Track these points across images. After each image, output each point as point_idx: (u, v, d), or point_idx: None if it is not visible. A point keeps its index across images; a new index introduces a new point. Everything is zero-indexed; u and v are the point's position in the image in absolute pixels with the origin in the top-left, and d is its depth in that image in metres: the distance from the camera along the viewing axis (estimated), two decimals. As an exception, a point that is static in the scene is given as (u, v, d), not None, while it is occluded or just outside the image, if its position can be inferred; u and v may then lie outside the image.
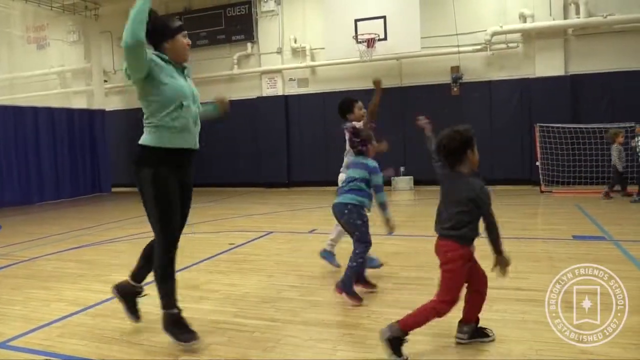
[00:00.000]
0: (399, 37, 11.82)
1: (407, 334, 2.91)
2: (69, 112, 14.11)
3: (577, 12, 11.45)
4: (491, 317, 3.43)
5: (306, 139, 13.95)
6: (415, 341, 3.13)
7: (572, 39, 11.80)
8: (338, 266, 4.85)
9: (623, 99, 11.07)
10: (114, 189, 15.04)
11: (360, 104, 4.97)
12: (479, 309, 3.09)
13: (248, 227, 7.91)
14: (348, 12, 12.14)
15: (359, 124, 4.71)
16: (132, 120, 14.88)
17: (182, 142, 3.17)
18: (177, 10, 15.20)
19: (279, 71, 14.26)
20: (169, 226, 3.17)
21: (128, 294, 3.55)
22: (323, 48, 13.08)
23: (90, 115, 14.78)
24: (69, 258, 6.16)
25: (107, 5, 15.01)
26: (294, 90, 14.26)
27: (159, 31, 3.08)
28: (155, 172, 3.12)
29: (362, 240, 4.03)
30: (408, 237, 6.52)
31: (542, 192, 10.85)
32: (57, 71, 15.77)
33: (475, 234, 2.94)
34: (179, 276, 4.64)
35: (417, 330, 3.13)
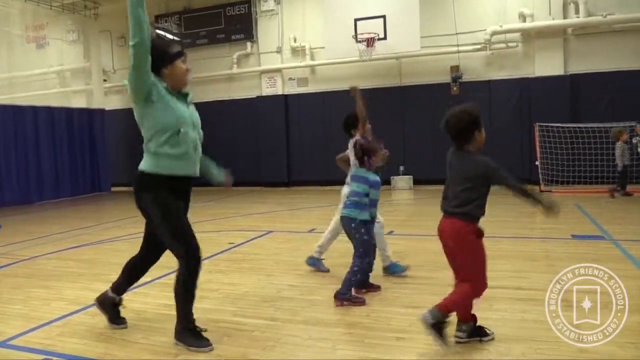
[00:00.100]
0: (398, 36, 11.82)
1: (448, 317, 2.92)
2: (69, 112, 14.11)
3: (577, 12, 11.46)
4: (491, 317, 3.43)
5: (306, 139, 13.95)
6: (416, 340, 3.14)
7: (571, 38, 11.81)
8: (327, 270, 4.87)
9: (622, 98, 11.08)
10: (113, 189, 15.03)
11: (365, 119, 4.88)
12: (471, 306, 3.08)
13: (247, 227, 7.91)
14: (348, 12, 12.14)
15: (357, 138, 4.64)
16: (131, 119, 14.74)
17: (180, 170, 3.14)
18: (177, 9, 15.20)
19: (278, 70, 14.26)
20: (187, 240, 3.14)
21: (107, 306, 3.56)
22: (323, 47, 13.09)
23: (90, 115, 14.77)
24: (69, 257, 6.17)
25: (107, 5, 15.00)
26: (293, 89, 14.26)
27: (157, 57, 3.02)
28: (155, 195, 3.11)
29: (363, 256, 3.99)
30: (408, 237, 6.53)
31: (541, 191, 10.84)
32: (57, 70, 15.75)
33: (481, 212, 2.94)
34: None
35: (416, 329, 3.14)
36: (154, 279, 4.62)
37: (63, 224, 9.01)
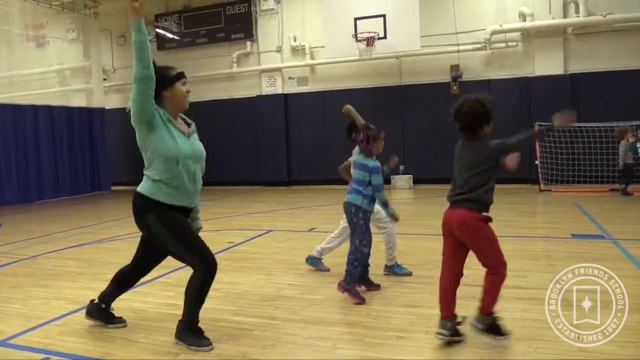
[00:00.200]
0: (398, 35, 11.82)
1: (494, 313, 2.96)
2: (69, 111, 14.10)
3: (577, 11, 11.45)
4: (490, 316, 3.44)
5: (306, 138, 13.95)
6: (416, 339, 3.14)
7: (571, 37, 11.81)
8: (327, 269, 4.87)
9: (622, 98, 11.08)
10: (113, 188, 15.04)
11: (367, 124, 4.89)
12: (454, 302, 3.06)
13: (247, 226, 7.91)
14: (348, 11, 12.14)
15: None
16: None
17: (176, 200, 3.15)
18: (176, 8, 15.19)
19: (278, 70, 14.25)
20: (199, 249, 3.16)
21: (98, 314, 3.57)
22: (323, 46, 13.08)
23: (90, 114, 14.76)
24: (69, 256, 6.17)
25: (107, 4, 15.00)
26: (293, 88, 14.26)
27: (157, 80, 3.02)
28: (156, 214, 3.12)
29: (359, 247, 4.03)
30: (407, 236, 6.52)
31: (541, 190, 10.86)
32: (57, 69, 15.74)
33: (490, 198, 2.94)
34: (178, 275, 4.66)
35: (416, 328, 3.14)
36: (154, 278, 4.62)
37: (63, 223, 9.01)
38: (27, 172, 12.72)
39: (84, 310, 3.66)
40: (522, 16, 11.94)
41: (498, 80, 12.20)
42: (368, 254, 4.15)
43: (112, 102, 15.88)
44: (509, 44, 12.10)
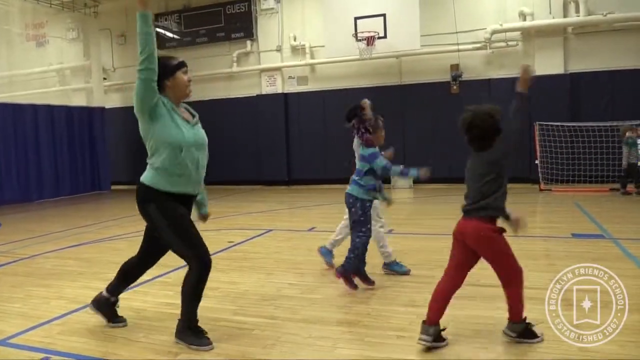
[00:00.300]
0: (398, 35, 11.81)
1: (524, 319, 3.01)
2: (68, 110, 14.09)
3: (577, 11, 11.44)
4: (491, 315, 3.44)
5: (306, 137, 13.94)
6: (416, 339, 3.14)
7: (571, 37, 11.80)
8: (332, 265, 4.88)
9: (622, 97, 11.08)
10: (113, 187, 15.04)
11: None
12: (444, 309, 3.05)
13: (248, 225, 7.91)
14: (348, 10, 12.13)
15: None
16: (131, 117, 14.77)
17: (179, 187, 3.16)
18: (176, 8, 15.19)
19: (278, 69, 14.25)
20: (195, 245, 3.17)
21: (103, 307, 3.57)
22: (323, 46, 13.07)
23: (90, 113, 14.76)
24: (69, 256, 6.17)
25: (107, 3, 14.99)
26: (293, 88, 14.25)
27: (159, 71, 3.05)
28: (158, 204, 3.14)
29: (357, 231, 4.13)
30: (408, 235, 6.52)
31: (541, 190, 10.86)
32: (56, 69, 15.76)
33: (502, 204, 2.95)
34: (177, 274, 4.66)
35: (416, 327, 3.14)
36: (154, 278, 4.62)
37: (63, 222, 9.01)
38: (27, 171, 12.72)
39: (85, 309, 3.67)
40: (522, 15, 11.93)
41: (498, 79, 12.17)
42: (366, 244, 4.19)
43: (112, 101, 15.88)
44: (509, 43, 12.09)
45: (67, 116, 13.92)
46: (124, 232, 7.58)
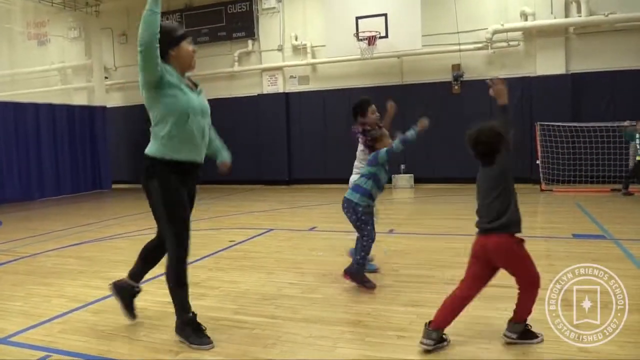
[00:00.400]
0: (400, 34, 11.81)
1: (526, 321, 3.00)
2: (70, 109, 14.10)
3: (579, 11, 11.43)
4: (491, 315, 3.44)
5: (307, 137, 13.94)
6: (416, 338, 3.14)
7: (573, 37, 11.79)
8: (375, 269, 4.87)
9: (624, 97, 11.07)
10: (114, 186, 15.06)
11: (374, 107, 4.90)
12: (453, 318, 3.03)
13: (248, 225, 7.92)
14: (349, 10, 12.13)
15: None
16: (132, 117, 14.92)
17: (185, 154, 3.15)
18: (178, 7, 15.19)
19: (279, 68, 14.25)
20: (179, 226, 3.16)
21: (125, 292, 3.57)
22: (324, 45, 13.07)
23: (91, 112, 14.77)
24: (70, 254, 6.17)
25: (108, 2, 15.01)
26: (294, 87, 14.25)
27: (163, 40, 3.03)
28: (161, 182, 3.13)
29: (361, 235, 4.18)
30: (408, 235, 6.52)
31: (542, 190, 10.85)
32: (58, 67, 15.78)
33: (518, 216, 2.95)
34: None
35: (416, 327, 3.14)
36: (154, 277, 4.61)
37: (64, 221, 9.02)
38: (29, 170, 12.74)
39: (85, 308, 3.67)
40: (524, 15, 11.93)
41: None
42: (368, 247, 4.21)
43: (113, 100, 15.89)
44: (511, 43, 12.08)
45: (68, 115, 13.93)
46: (125, 230, 7.58)
